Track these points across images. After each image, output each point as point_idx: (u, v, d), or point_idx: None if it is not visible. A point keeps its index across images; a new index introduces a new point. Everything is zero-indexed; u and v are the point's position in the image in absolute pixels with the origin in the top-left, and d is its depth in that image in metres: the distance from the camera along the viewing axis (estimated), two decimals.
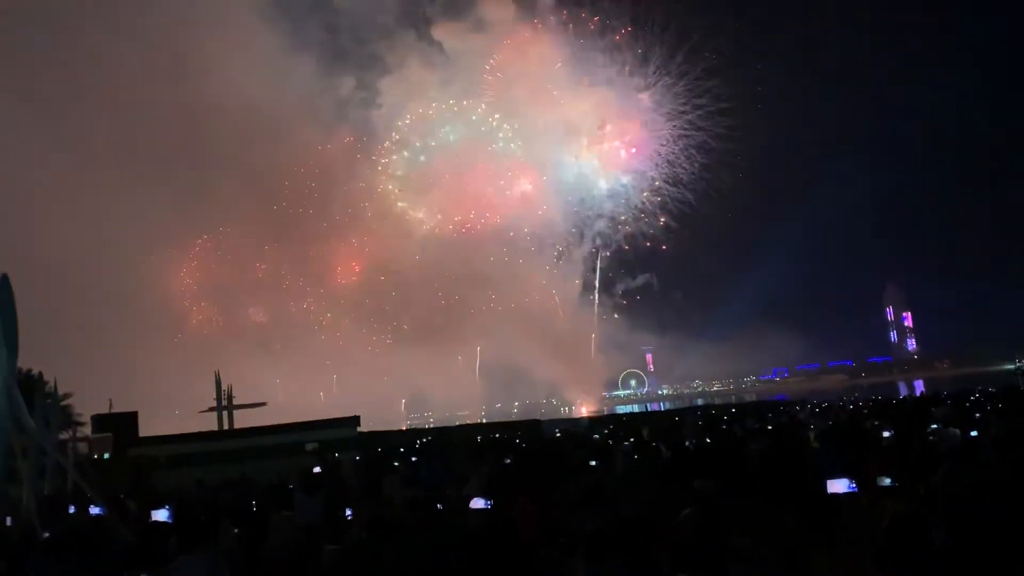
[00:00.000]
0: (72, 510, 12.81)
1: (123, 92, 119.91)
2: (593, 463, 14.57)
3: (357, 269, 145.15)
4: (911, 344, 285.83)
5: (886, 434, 16.38)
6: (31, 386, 27.96)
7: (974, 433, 14.74)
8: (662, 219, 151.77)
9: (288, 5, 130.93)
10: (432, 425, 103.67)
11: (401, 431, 62.20)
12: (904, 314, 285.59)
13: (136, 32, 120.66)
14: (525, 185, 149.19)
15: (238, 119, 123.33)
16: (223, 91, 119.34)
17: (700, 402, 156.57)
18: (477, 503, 7.37)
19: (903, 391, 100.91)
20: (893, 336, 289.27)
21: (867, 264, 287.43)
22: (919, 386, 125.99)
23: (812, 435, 19.85)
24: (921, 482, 10.11)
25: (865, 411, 34.01)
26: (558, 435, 34.10)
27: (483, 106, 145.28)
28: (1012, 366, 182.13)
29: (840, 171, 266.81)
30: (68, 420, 44.69)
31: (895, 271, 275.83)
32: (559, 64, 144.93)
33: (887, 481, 8.66)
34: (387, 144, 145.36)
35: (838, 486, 7.08)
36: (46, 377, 39.84)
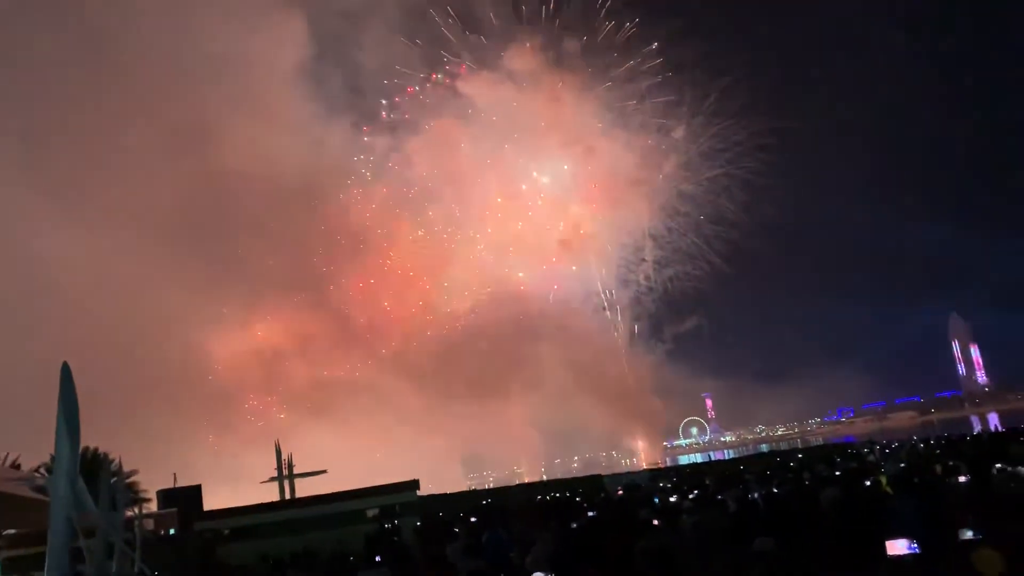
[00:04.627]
0: None
1: (151, 165, 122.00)
2: (657, 522, 14.23)
3: (403, 328, 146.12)
4: (981, 377, 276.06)
5: (962, 479, 15.70)
6: (96, 465, 28.55)
7: None
8: (708, 259, 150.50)
9: (311, 70, 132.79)
10: (492, 485, 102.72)
11: (461, 493, 61.75)
12: (971, 345, 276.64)
13: (158, 103, 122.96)
14: (563, 234, 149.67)
15: (271, 186, 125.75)
16: (253, 159, 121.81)
17: (764, 448, 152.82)
18: None
19: (976, 426, 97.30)
20: (961, 369, 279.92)
21: (929, 296, 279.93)
22: (993, 419, 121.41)
23: (884, 479, 19.14)
24: (1012, 531, 9.60)
25: (938, 451, 32.80)
26: (620, 493, 33.47)
27: (501, 144, 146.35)
28: None
29: (894, 200, 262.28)
30: (134, 497, 45.31)
31: (958, 302, 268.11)
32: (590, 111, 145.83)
33: (969, 534, 8.17)
34: (424, 202, 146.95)
35: (899, 547, 6.71)
36: (110, 455, 40.85)
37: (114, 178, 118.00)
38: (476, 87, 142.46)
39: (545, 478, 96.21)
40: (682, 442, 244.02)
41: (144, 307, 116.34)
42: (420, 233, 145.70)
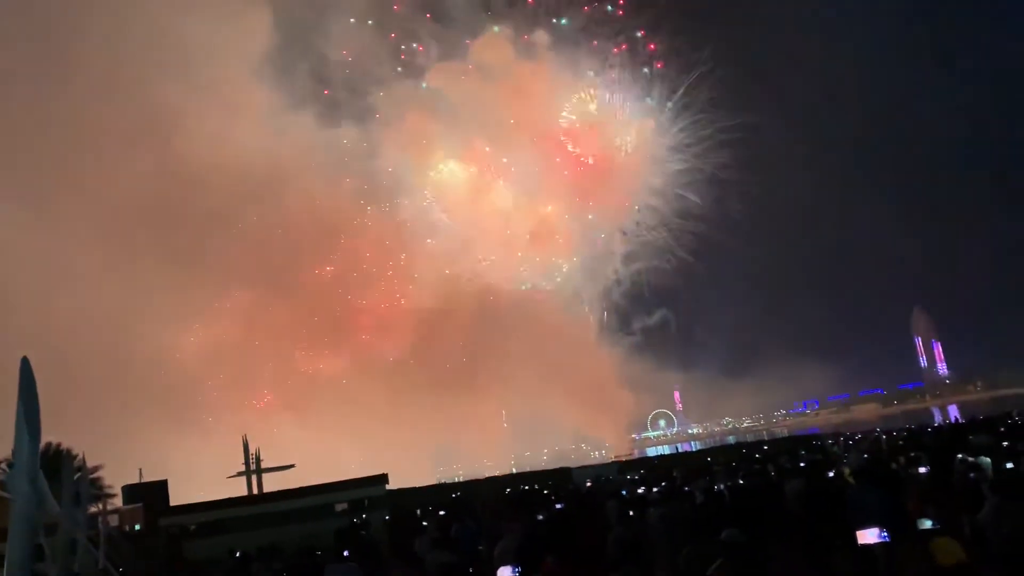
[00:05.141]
0: None
1: (113, 155, 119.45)
2: (626, 513, 14.33)
3: (370, 321, 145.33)
4: (942, 369, 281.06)
5: (923, 469, 15.99)
6: (58, 461, 28.09)
7: (1010, 465, 14.28)
8: (676, 254, 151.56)
9: (275, 59, 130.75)
10: (461, 478, 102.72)
11: (430, 487, 61.67)
12: (932, 338, 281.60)
13: (120, 93, 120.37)
14: (533, 226, 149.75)
15: (234, 178, 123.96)
16: (217, 150, 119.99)
17: (731, 440, 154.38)
18: (505, 572, 7.22)
19: (938, 417, 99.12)
20: (923, 361, 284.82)
21: (892, 290, 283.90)
22: (953, 411, 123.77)
23: (847, 470, 19.45)
24: (966, 519, 9.80)
25: (900, 442, 33.36)
26: (589, 485, 33.65)
27: (487, 148, 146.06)
28: None
29: (859, 194, 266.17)
30: (98, 493, 44.72)
31: (920, 296, 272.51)
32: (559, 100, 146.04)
33: (928, 523, 8.34)
34: (392, 193, 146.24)
35: (869, 536, 6.86)
36: (73, 451, 40.21)
37: (75, 169, 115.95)
38: (443, 78, 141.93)
39: (514, 471, 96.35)
40: (650, 434, 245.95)
41: (105, 300, 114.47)
42: (388, 225, 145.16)
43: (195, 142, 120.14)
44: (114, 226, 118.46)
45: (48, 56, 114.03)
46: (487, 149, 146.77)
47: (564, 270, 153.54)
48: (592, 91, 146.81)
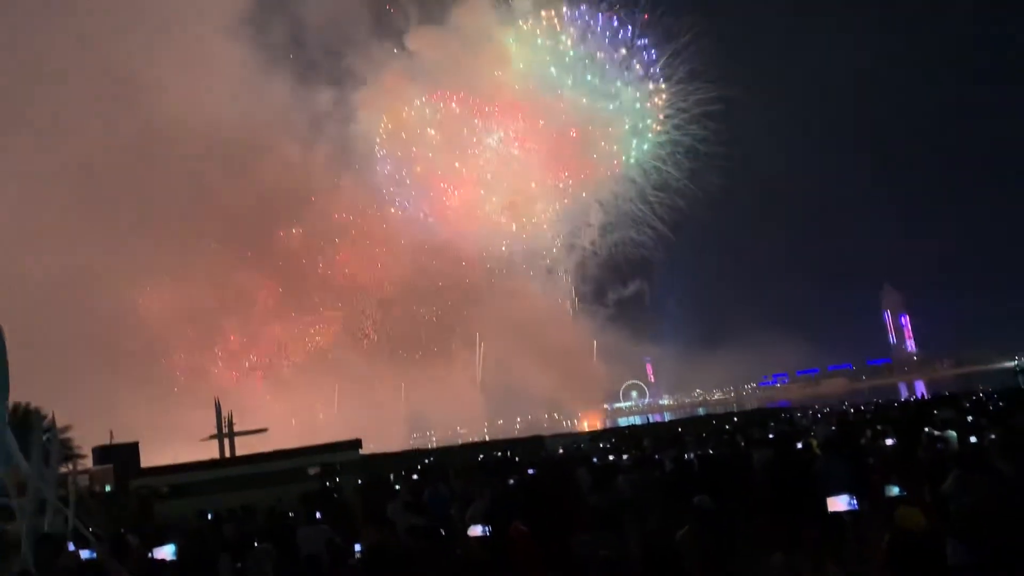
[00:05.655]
0: (72, 548, 12.67)
1: (82, 115, 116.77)
2: (596, 480, 14.48)
3: (344, 287, 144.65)
4: (910, 345, 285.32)
5: (889, 441, 16.28)
6: (28, 421, 27.77)
7: (975, 439, 14.58)
8: (652, 226, 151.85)
9: (251, 19, 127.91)
10: (435, 445, 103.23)
11: (403, 453, 61.92)
12: (902, 315, 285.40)
13: (89, 51, 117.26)
14: (510, 196, 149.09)
15: (207, 139, 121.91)
16: (189, 110, 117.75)
17: (701, 411, 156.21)
18: (475, 530, 7.30)
19: (904, 393, 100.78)
20: (892, 338, 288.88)
21: (863, 266, 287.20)
22: (920, 387, 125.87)
23: (815, 442, 19.73)
24: (929, 489, 9.99)
25: (868, 416, 33.92)
26: (561, 452, 33.95)
27: (456, 109, 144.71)
28: (1012, 363, 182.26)
29: (832, 172, 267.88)
30: (68, 453, 44.41)
31: (891, 272, 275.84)
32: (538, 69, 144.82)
33: (895, 490, 8.54)
34: (367, 157, 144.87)
35: (839, 503, 6.99)
36: (43, 411, 39.77)
37: (43, 129, 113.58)
38: (423, 42, 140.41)
39: (488, 438, 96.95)
40: (622, 405, 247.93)
41: (74, 261, 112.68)
42: (362, 190, 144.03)
43: (166, 100, 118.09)
44: (82, 184, 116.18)
45: (14, 9, 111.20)
46: (466, 119, 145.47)
47: (540, 240, 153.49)
48: (568, 39, 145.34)
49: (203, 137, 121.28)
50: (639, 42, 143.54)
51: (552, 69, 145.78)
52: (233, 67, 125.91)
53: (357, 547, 10.26)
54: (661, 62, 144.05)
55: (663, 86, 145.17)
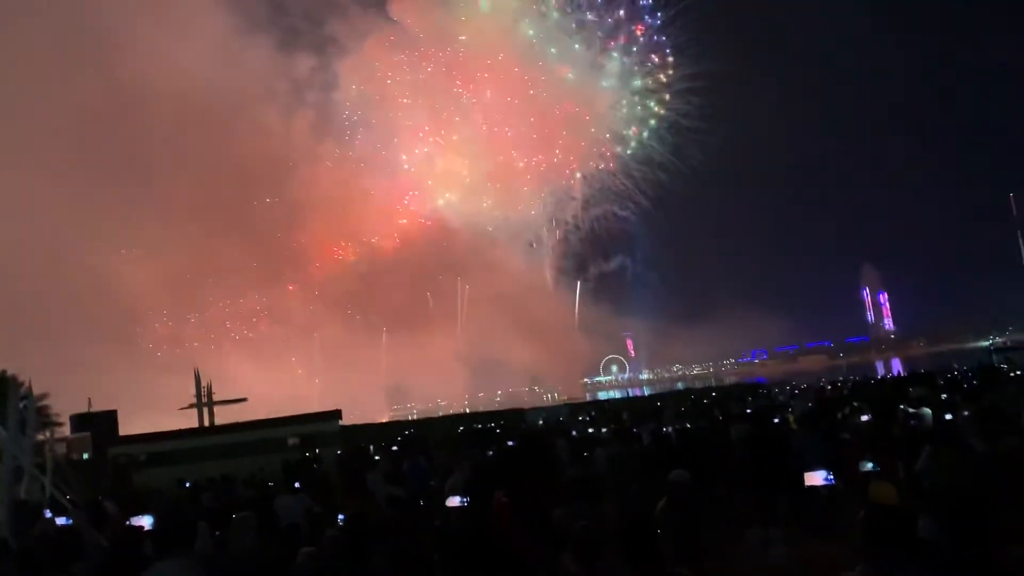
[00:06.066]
0: (48, 515, 12.64)
1: (51, 77, 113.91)
2: (576, 452, 14.58)
3: (325, 256, 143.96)
4: (888, 324, 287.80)
5: (864, 417, 16.47)
6: (4, 389, 27.56)
7: (949, 416, 14.76)
8: (635, 200, 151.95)
9: None
10: (415, 416, 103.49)
11: (383, 424, 62.05)
12: (880, 293, 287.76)
13: (57, 7, 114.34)
14: (491, 167, 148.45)
15: (184, 103, 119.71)
16: (163, 73, 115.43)
17: (681, 386, 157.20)
18: (454, 500, 7.33)
19: (881, 370, 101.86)
20: (870, 316, 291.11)
21: (843, 244, 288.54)
22: (896, 365, 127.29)
23: (791, 417, 19.95)
24: (902, 465, 10.13)
25: (844, 392, 34.28)
26: (541, 424, 34.14)
27: (432, 71, 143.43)
28: (987, 343, 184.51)
29: (815, 150, 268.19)
30: (45, 421, 44.17)
31: (871, 251, 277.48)
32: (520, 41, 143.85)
33: (869, 466, 8.67)
34: (349, 125, 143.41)
35: (816, 478, 7.08)
36: (20, 379, 39.46)
37: (13, 91, 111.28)
38: (406, 9, 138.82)
39: (468, 411, 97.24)
40: (602, 379, 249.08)
41: (47, 228, 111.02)
42: (345, 158, 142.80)
43: (140, 62, 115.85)
44: (53, 149, 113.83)
45: None
46: (450, 89, 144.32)
47: (522, 212, 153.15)
48: (555, 10, 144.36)
49: (181, 101, 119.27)
50: (620, 12, 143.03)
51: (538, 39, 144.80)
52: (210, 26, 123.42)
53: (341, 517, 10.28)
54: (646, 36, 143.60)
55: (650, 59, 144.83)
